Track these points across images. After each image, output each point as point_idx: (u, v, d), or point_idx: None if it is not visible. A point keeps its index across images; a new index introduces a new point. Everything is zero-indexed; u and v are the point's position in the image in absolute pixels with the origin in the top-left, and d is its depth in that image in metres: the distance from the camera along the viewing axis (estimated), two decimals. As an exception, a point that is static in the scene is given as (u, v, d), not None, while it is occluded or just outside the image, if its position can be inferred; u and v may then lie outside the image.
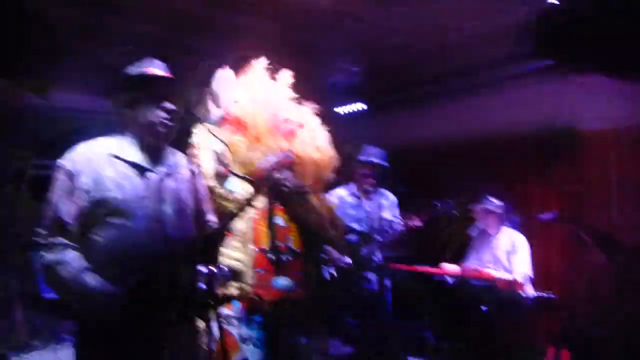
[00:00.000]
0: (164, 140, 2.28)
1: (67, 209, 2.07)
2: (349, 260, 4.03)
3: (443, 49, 4.62)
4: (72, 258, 2.03)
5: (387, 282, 4.25)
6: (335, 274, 3.58)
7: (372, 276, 4.23)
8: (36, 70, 1.85)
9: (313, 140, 3.23)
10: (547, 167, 4.92)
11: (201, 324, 2.15)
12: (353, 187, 4.42)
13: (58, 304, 3.85)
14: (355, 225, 4.28)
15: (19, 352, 3.28)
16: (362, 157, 4.34)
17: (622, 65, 2.79)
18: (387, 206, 4.40)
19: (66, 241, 2.05)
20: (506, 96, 5.09)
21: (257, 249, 2.92)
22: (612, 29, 2.65)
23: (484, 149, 5.28)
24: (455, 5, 3.63)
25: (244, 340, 2.86)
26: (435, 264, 4.35)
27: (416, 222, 4.24)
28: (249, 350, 2.86)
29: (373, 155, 4.34)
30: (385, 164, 4.33)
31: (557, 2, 2.79)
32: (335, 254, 3.62)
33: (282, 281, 2.87)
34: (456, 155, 5.54)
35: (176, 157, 2.34)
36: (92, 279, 2.01)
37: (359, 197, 4.38)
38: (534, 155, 5.04)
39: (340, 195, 4.32)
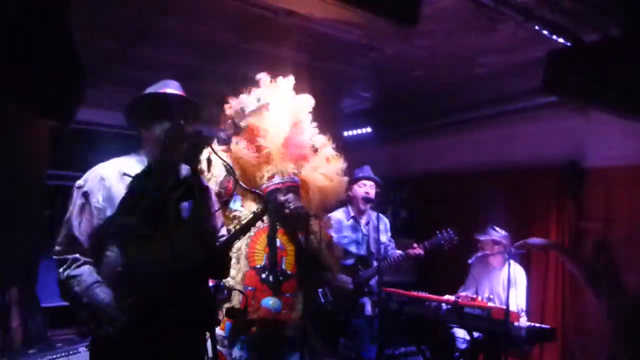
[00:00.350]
0: (175, 157, 2.31)
1: (82, 226, 2.13)
2: (344, 283, 4.03)
3: (454, 83, 4.71)
4: (85, 273, 2.07)
5: (382, 307, 4.25)
6: (330, 297, 3.58)
7: (366, 300, 4.25)
8: (61, 99, 1.88)
9: (323, 166, 3.27)
10: (552, 201, 4.95)
11: (200, 341, 2.18)
12: (350, 210, 4.45)
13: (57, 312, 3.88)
14: (352, 248, 4.30)
15: (14, 359, 3.27)
16: (356, 175, 4.38)
17: (631, 103, 2.84)
18: (383, 230, 4.39)
19: (81, 257, 2.10)
20: (513, 130, 5.16)
21: (249, 267, 2.95)
22: (621, 67, 2.72)
23: (489, 180, 5.31)
24: (469, 42, 3.73)
25: None
26: (434, 290, 4.35)
27: (417, 251, 4.25)
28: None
29: (366, 171, 4.41)
30: (378, 179, 4.38)
31: (567, 44, 2.86)
32: (330, 277, 3.62)
33: (270, 302, 2.89)
34: (462, 186, 5.58)
35: (188, 174, 2.36)
36: (102, 293, 2.04)
37: (356, 220, 4.41)
38: (540, 189, 5.07)
39: (338, 218, 4.33)
